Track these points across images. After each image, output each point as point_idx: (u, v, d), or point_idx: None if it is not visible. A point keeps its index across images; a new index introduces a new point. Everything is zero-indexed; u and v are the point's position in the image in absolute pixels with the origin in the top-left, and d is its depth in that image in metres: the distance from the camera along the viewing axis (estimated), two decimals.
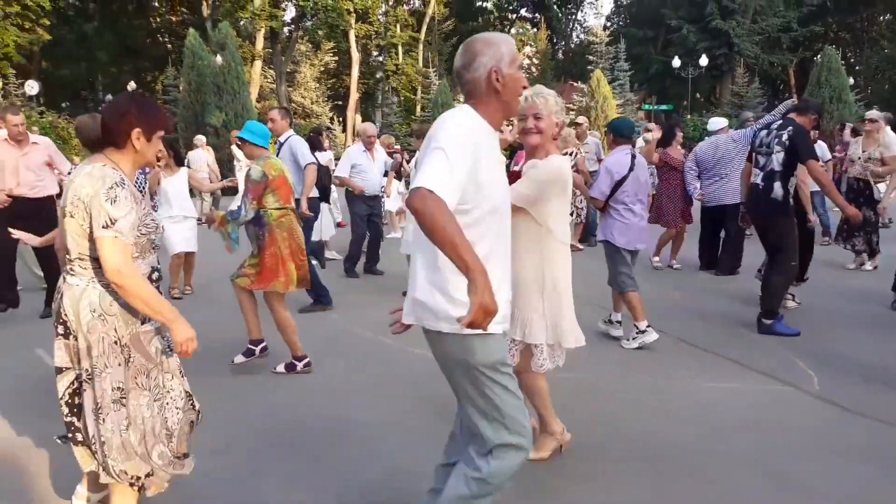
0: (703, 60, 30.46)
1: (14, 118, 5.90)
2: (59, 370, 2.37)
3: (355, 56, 33.78)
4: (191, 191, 7.05)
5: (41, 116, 20.67)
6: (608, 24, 46.30)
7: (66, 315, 2.29)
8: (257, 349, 4.56)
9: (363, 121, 41.61)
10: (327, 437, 3.51)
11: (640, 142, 13.80)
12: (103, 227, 2.18)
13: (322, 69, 42.73)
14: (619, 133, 5.07)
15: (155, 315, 2.27)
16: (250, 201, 4.40)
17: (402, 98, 36.91)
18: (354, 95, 35.14)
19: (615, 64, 27.54)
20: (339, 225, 10.68)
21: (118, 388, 2.29)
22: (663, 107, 33.39)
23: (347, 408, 3.91)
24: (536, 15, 50.42)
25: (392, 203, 10.57)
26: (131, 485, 2.36)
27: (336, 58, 42.47)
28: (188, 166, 9.43)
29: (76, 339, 2.29)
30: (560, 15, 51.24)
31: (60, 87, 34.00)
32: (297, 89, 38.71)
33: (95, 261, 2.26)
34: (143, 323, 2.35)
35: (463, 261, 1.73)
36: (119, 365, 2.29)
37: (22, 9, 25.03)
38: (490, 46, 2.07)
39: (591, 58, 28.25)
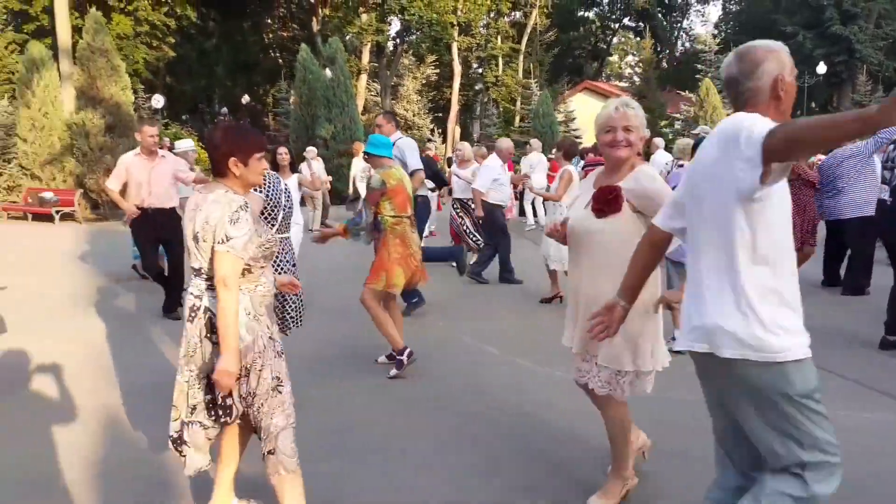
0: (821, 68, 28.86)
1: (151, 129, 6.31)
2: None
3: (457, 68, 34.18)
4: (301, 201, 7.38)
5: (166, 128, 22.16)
6: (717, 31, 44.74)
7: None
8: (405, 357, 4.69)
9: (461, 132, 42.15)
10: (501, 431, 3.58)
11: None
12: (220, 242, 2.37)
13: (423, 82, 43.56)
14: None
15: (222, 334, 2.37)
16: (369, 207, 4.66)
17: (502, 109, 37.00)
18: (455, 107, 35.53)
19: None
20: (430, 234, 10.84)
21: (276, 377, 2.54)
22: None
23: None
24: (640, 24, 49.37)
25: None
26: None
27: (437, 70, 43.18)
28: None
29: None
30: (665, 23, 49.98)
31: (181, 100, 36.27)
32: (400, 102, 39.58)
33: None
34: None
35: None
36: (276, 357, 2.55)
37: (151, 28, 26.91)
38: (772, 53, 2.04)
39: (699, 67, 27.38)
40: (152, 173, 6.31)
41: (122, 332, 5.95)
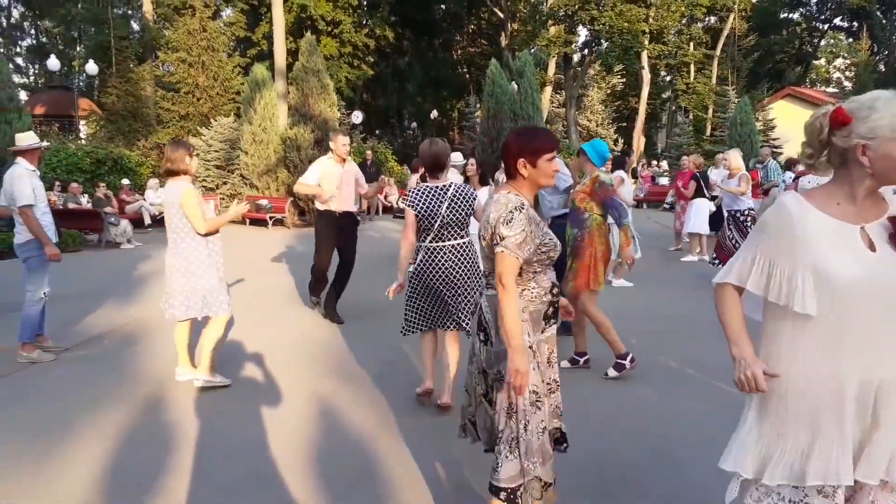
0: None
1: (343, 139, 6.65)
2: (484, 373, 2.66)
3: (646, 77, 33.16)
4: None
5: (364, 142, 23.72)
6: None
7: (486, 323, 2.61)
8: (627, 362, 4.82)
9: (646, 142, 40.75)
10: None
11: None
12: (495, 243, 2.45)
13: (609, 92, 42.74)
14: None
15: (504, 332, 2.38)
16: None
17: (692, 117, 35.29)
18: (642, 116, 34.48)
19: None
20: None
21: (534, 391, 2.46)
22: None
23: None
24: (854, 23, 44.73)
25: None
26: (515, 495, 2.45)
27: (624, 80, 42.17)
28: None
29: (492, 345, 2.58)
30: (884, 22, 44.81)
31: (376, 115, 38.67)
32: (584, 112, 39.19)
33: None
34: (543, 332, 2.55)
35: None
36: (533, 369, 2.47)
37: (353, 49, 29.01)
38: None
39: None
40: (342, 179, 6.60)
41: (330, 325, 6.47)
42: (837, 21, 46.74)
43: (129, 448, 3.78)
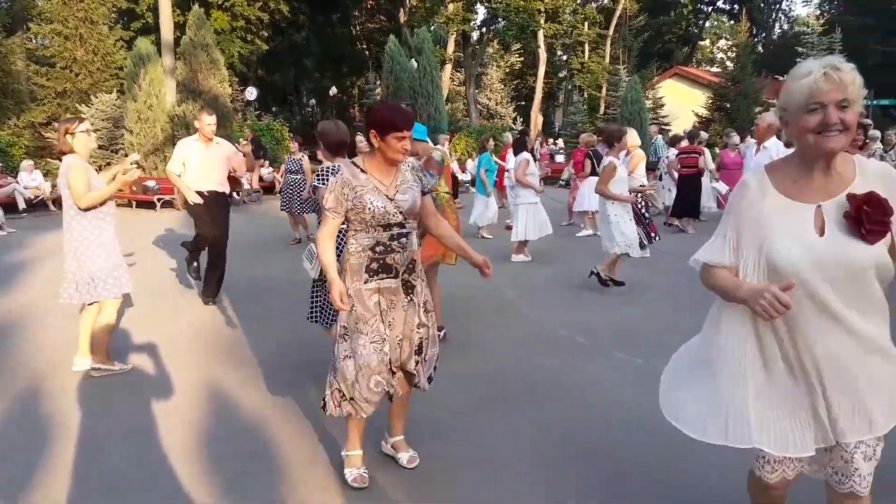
0: None
1: (209, 118, 6.34)
2: None
3: (542, 56, 33.79)
4: None
5: (259, 119, 22.99)
6: (820, 11, 42.31)
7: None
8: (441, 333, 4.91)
9: (544, 121, 41.64)
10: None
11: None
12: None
13: (507, 70, 43.30)
14: None
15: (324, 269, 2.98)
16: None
17: (587, 96, 36.33)
18: (539, 95, 35.16)
19: (829, 55, 25.13)
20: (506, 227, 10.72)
21: (343, 325, 2.97)
22: (884, 101, 29.92)
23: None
24: (735, 6, 47.27)
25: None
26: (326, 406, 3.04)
27: (522, 59, 42.80)
28: None
29: None
30: (762, 5, 47.62)
31: (272, 92, 37.49)
32: (483, 91, 39.55)
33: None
34: (365, 282, 2.91)
35: None
36: (349, 310, 2.92)
37: (246, 23, 27.91)
38: None
39: (800, 50, 26.04)
40: (208, 159, 6.36)
41: (220, 309, 6.27)
42: (721, 3, 49.27)
43: (4, 441, 3.53)
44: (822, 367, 1.87)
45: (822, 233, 1.82)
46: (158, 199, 15.92)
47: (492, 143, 11.91)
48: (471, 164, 15.62)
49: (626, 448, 3.40)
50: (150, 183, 16.00)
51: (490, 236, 10.94)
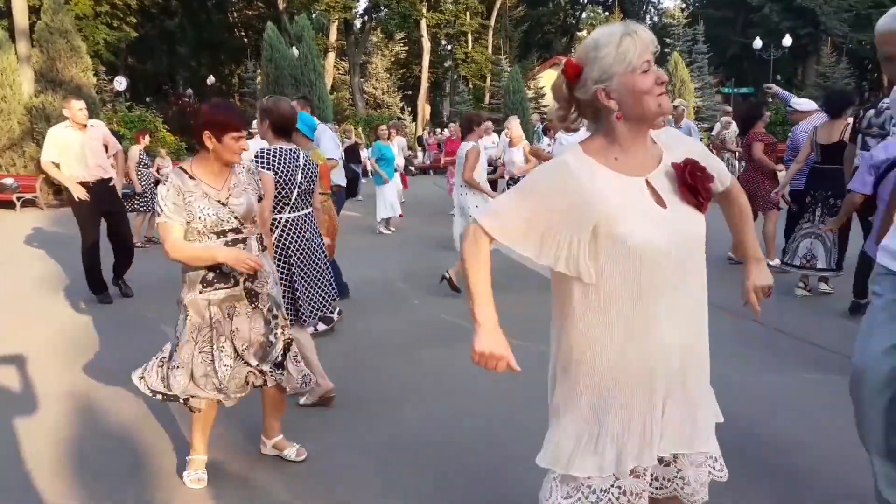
0: (787, 41, 29.19)
1: (78, 103, 6.06)
2: None
3: (426, 45, 33.90)
4: None
5: (130, 111, 21.67)
6: (685, 4, 44.96)
7: None
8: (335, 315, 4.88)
9: (431, 110, 41.86)
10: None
11: (716, 126, 13.42)
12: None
13: (392, 59, 43.13)
14: None
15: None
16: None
17: (472, 86, 36.82)
18: (425, 85, 35.29)
19: (693, 46, 26.75)
20: (400, 216, 10.82)
21: (177, 336, 2.86)
22: (743, 90, 32.24)
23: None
24: None
25: None
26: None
27: (406, 48, 42.76)
28: None
29: None
30: None
31: (144, 82, 35.49)
32: (369, 80, 39.21)
33: None
34: (200, 293, 2.78)
35: None
36: (182, 320, 2.83)
37: (111, 8, 26.19)
38: None
39: (668, 41, 27.57)
40: (86, 145, 6.05)
41: (89, 316, 5.85)
42: None
43: None
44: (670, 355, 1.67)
45: (664, 206, 1.60)
46: (18, 199, 14.69)
47: (385, 130, 11.79)
48: (364, 154, 15.38)
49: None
50: (8, 181, 14.79)
51: (388, 231, 10.40)
